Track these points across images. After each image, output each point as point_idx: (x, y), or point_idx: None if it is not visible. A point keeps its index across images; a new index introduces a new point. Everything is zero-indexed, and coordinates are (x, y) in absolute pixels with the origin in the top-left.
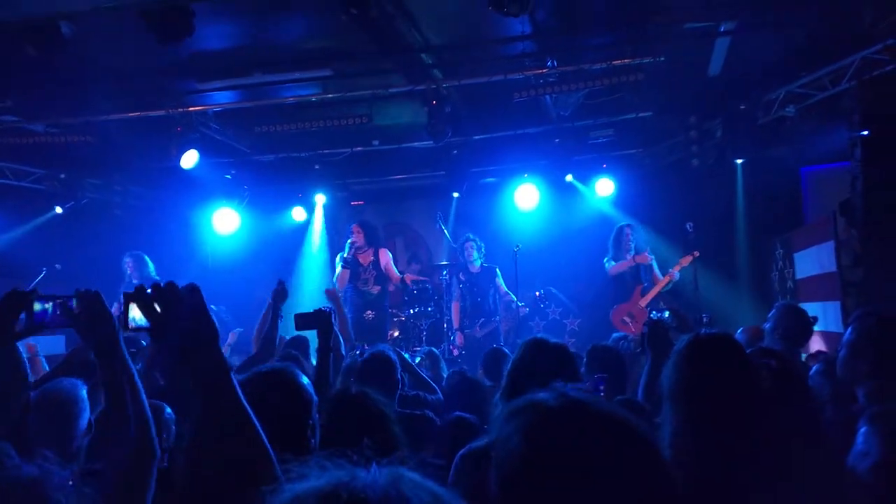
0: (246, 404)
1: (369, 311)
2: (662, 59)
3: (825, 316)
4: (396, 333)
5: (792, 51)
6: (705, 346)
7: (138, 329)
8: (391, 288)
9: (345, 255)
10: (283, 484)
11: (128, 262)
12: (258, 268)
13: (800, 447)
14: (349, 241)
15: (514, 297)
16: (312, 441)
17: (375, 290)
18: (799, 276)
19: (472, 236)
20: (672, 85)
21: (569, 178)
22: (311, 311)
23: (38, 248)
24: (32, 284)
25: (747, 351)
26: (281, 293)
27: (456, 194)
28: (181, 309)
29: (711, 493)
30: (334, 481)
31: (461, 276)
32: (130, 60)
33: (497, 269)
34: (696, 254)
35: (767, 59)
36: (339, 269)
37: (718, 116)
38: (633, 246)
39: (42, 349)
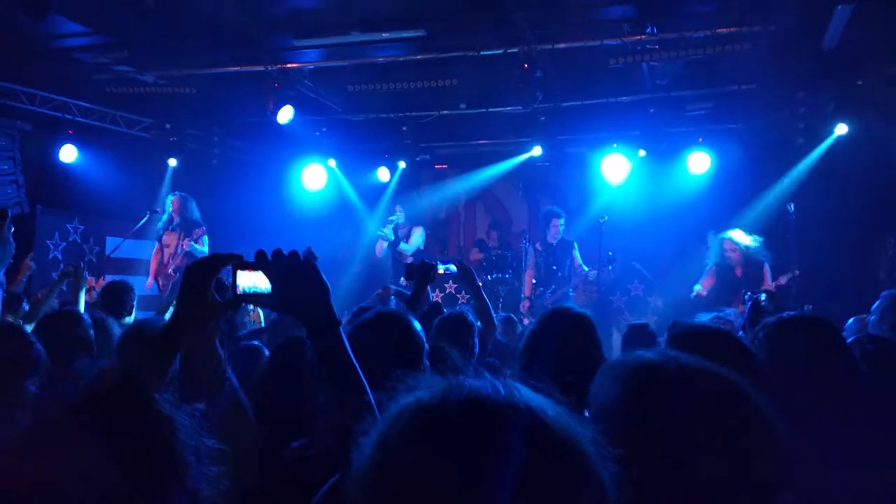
0: (352, 356)
1: (403, 279)
2: (773, 28)
3: None
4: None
5: None
6: (790, 325)
7: (247, 296)
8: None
9: (384, 229)
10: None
11: (173, 202)
12: (341, 225)
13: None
14: (391, 217)
15: (584, 266)
16: None
17: (408, 260)
18: None
19: (558, 210)
20: (781, 57)
21: (641, 153)
22: (419, 263)
23: (141, 193)
24: (137, 227)
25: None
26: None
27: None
28: (298, 272)
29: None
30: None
31: (538, 246)
32: (233, 15)
33: (575, 244)
34: (797, 272)
35: (892, 31)
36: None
37: (831, 92)
38: (739, 260)
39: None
